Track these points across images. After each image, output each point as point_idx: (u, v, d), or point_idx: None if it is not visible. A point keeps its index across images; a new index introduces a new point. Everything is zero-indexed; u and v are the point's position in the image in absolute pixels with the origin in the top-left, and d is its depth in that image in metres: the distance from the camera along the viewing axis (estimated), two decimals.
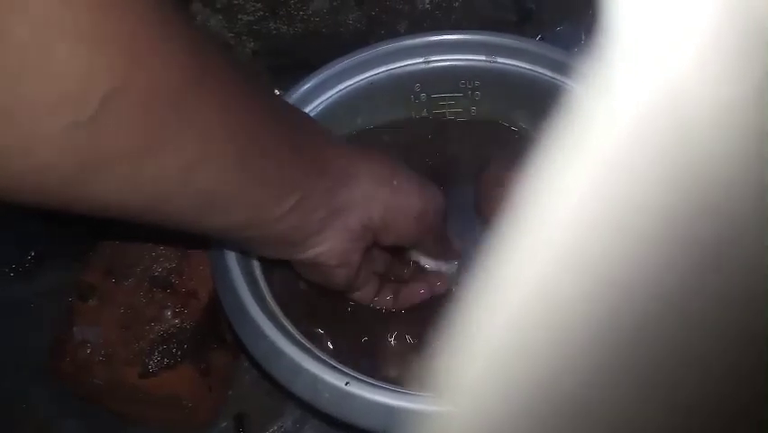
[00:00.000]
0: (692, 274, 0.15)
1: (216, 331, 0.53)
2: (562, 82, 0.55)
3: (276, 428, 0.55)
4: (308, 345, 0.43)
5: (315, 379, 0.40)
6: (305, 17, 0.65)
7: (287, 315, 0.45)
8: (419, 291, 0.51)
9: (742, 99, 0.13)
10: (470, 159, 0.59)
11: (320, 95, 0.57)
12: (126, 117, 0.28)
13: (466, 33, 0.58)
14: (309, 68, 0.58)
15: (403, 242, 0.46)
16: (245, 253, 0.46)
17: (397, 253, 0.52)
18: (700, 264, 0.15)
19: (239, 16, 0.64)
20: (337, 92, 0.58)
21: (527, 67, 0.57)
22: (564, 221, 0.15)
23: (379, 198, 0.42)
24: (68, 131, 0.26)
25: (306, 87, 0.56)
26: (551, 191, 0.15)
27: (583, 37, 0.68)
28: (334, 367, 0.41)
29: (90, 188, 0.29)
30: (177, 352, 0.49)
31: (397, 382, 0.42)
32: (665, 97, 0.13)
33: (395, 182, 0.43)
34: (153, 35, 0.28)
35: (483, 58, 0.58)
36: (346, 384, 0.40)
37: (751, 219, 0.14)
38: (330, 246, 0.41)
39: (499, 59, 0.58)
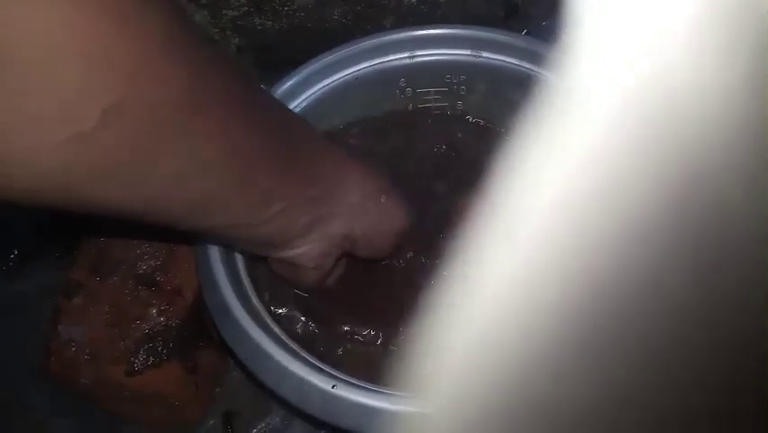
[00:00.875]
0: (682, 270, 0.15)
1: (203, 329, 0.52)
2: (549, 77, 0.55)
3: (264, 425, 0.55)
4: (295, 346, 0.43)
5: (302, 382, 0.40)
6: (290, 12, 0.64)
7: (270, 312, 0.45)
8: None
9: (732, 86, 0.13)
10: (454, 161, 0.59)
11: (305, 90, 0.57)
12: (125, 131, 0.28)
13: (451, 28, 0.58)
14: (295, 63, 0.57)
15: (376, 256, 0.48)
16: (228, 246, 0.46)
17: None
18: (690, 257, 0.15)
19: (224, 12, 0.64)
20: (322, 87, 0.57)
21: (513, 61, 0.57)
22: (545, 218, 0.15)
23: (365, 212, 0.43)
24: (68, 143, 0.27)
25: (291, 82, 0.56)
26: (535, 186, 0.15)
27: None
28: (321, 370, 0.41)
29: (88, 193, 0.30)
30: (162, 350, 0.49)
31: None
32: (653, 85, 0.13)
33: (382, 199, 0.44)
34: (154, 52, 0.28)
35: (468, 52, 0.58)
36: (333, 387, 0.40)
37: (742, 209, 0.14)
38: (310, 249, 0.42)
39: (485, 54, 0.57)
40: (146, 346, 0.49)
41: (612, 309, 0.15)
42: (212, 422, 0.55)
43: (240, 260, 0.47)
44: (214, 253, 0.45)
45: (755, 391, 0.17)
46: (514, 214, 0.15)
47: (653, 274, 0.15)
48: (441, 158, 0.60)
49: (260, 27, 0.65)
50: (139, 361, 0.48)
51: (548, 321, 0.16)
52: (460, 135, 0.61)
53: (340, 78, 0.58)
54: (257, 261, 0.48)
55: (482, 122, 0.62)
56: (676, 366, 0.16)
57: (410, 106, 0.62)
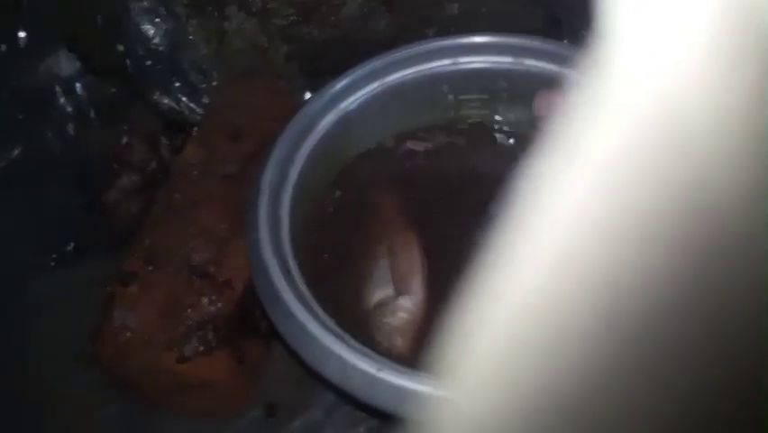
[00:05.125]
0: (690, 275, 0.15)
1: (250, 321, 0.54)
2: (578, 83, 0.56)
3: (306, 417, 0.56)
4: (339, 330, 0.44)
5: (346, 364, 0.42)
6: (336, 22, 0.67)
7: (317, 297, 0.46)
8: None
9: (740, 100, 0.13)
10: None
11: (351, 95, 0.59)
12: None
13: (494, 36, 0.60)
14: (340, 73, 0.60)
15: None
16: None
17: None
18: (699, 266, 0.15)
19: (273, 20, 0.67)
20: (367, 93, 0.59)
21: (554, 68, 0.58)
22: (565, 222, 0.15)
23: None
24: None
25: (338, 86, 0.58)
26: (551, 193, 0.15)
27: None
28: (366, 353, 0.43)
29: None
30: (212, 339, 0.51)
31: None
32: (662, 99, 0.14)
33: None
34: None
35: (510, 60, 0.59)
36: (378, 370, 0.41)
37: (749, 220, 0.15)
38: None
39: (526, 61, 0.59)
40: (197, 334, 0.51)
41: (629, 312, 0.16)
42: (255, 413, 0.56)
43: (288, 249, 0.49)
44: (266, 242, 0.47)
45: (756, 392, 0.17)
46: (540, 217, 0.16)
47: (667, 279, 0.15)
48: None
49: (307, 36, 0.68)
50: (190, 348, 0.50)
51: (572, 324, 0.16)
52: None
53: (386, 84, 0.60)
54: (304, 253, 0.50)
55: (520, 132, 0.63)
56: (683, 367, 0.17)
57: (452, 113, 0.63)
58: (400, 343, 0.51)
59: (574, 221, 0.15)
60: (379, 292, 0.54)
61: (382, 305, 0.53)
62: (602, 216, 0.15)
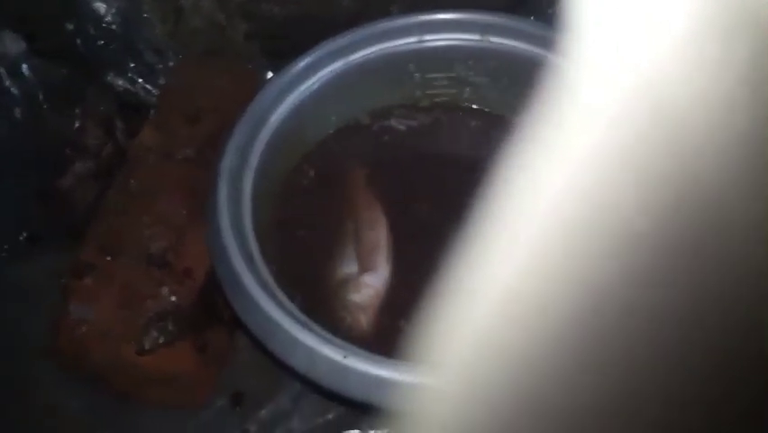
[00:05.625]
0: (676, 271, 0.15)
1: (213, 309, 0.53)
2: (556, 65, 0.55)
3: (273, 405, 0.55)
4: (304, 317, 0.43)
5: (312, 352, 0.41)
6: None
7: (280, 284, 0.45)
8: None
9: (725, 87, 0.13)
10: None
11: (314, 74, 0.57)
12: None
13: (459, 12, 0.58)
14: (302, 51, 0.58)
15: None
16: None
17: None
18: (685, 261, 0.15)
19: None
20: (332, 71, 0.58)
21: (521, 46, 0.57)
22: (544, 216, 0.15)
23: None
24: None
25: (300, 66, 0.56)
26: (531, 186, 0.15)
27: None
28: (332, 340, 0.42)
29: None
30: (173, 330, 0.49)
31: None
32: (647, 86, 0.13)
33: None
34: None
35: (477, 37, 0.58)
36: (344, 357, 0.40)
37: (739, 212, 0.14)
38: None
39: (493, 39, 0.58)
40: (157, 326, 0.49)
41: (613, 309, 0.16)
42: (220, 403, 0.55)
43: (251, 235, 0.47)
44: (226, 228, 0.45)
45: (751, 391, 0.17)
46: (517, 214, 0.15)
47: (653, 276, 0.15)
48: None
49: (267, 13, 0.65)
50: (150, 340, 0.49)
51: (551, 320, 0.16)
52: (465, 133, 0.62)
53: (350, 63, 0.58)
54: (266, 237, 0.48)
55: (489, 111, 0.62)
56: (674, 367, 0.16)
57: (418, 92, 0.62)
58: (363, 319, 0.51)
59: (553, 215, 0.15)
60: (344, 269, 0.53)
61: (346, 281, 0.53)
62: (582, 212, 0.15)
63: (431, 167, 0.60)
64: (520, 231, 0.16)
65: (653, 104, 0.13)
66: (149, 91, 0.64)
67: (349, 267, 0.54)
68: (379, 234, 0.54)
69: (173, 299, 0.49)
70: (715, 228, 0.14)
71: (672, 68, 0.13)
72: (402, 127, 0.62)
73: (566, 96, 0.14)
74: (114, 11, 0.63)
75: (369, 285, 0.52)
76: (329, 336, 0.42)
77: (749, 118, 0.13)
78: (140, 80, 0.64)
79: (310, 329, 0.42)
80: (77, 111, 0.60)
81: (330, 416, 0.54)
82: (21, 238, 0.60)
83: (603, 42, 0.13)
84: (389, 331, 0.48)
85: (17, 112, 0.57)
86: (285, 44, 0.68)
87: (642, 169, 0.14)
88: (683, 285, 0.15)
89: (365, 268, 0.53)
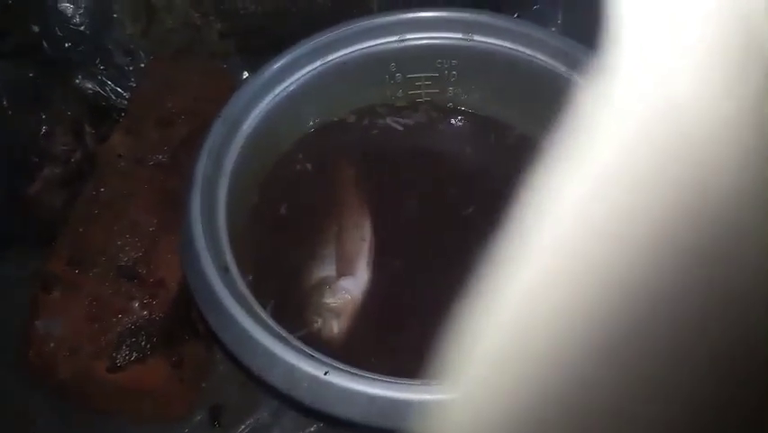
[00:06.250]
0: (692, 277, 0.15)
1: (188, 322, 0.50)
2: (543, 61, 0.54)
3: (253, 420, 0.53)
4: (283, 332, 0.41)
5: (293, 368, 0.39)
6: None
7: (258, 298, 0.43)
8: None
9: (741, 112, 0.14)
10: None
11: (292, 75, 0.55)
12: None
13: (442, 11, 0.56)
14: (279, 49, 0.56)
15: None
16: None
17: None
18: (700, 267, 0.15)
19: None
20: (311, 71, 0.56)
21: (506, 45, 0.55)
22: (565, 223, 0.15)
23: None
24: None
25: (277, 65, 0.54)
26: (553, 194, 0.15)
27: (560, 17, 0.67)
28: (312, 356, 0.40)
29: None
30: (146, 345, 0.47)
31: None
32: (666, 110, 0.14)
33: None
34: None
35: (460, 36, 0.56)
36: (325, 374, 0.38)
37: (750, 222, 0.15)
38: None
39: (477, 38, 0.56)
40: (129, 341, 0.47)
41: (631, 316, 0.16)
42: (199, 417, 0.53)
43: (226, 245, 0.45)
44: (199, 237, 0.43)
45: (759, 394, 0.17)
46: (537, 222, 0.16)
47: (669, 284, 0.15)
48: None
49: (243, 11, 0.63)
50: (121, 356, 0.46)
51: (569, 325, 0.16)
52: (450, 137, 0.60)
53: (328, 62, 0.56)
54: (243, 245, 0.46)
55: (473, 111, 0.60)
56: (686, 371, 0.17)
57: (400, 92, 0.60)
58: (335, 324, 0.49)
59: (574, 222, 0.15)
60: (322, 272, 0.52)
61: (322, 284, 0.51)
62: (603, 218, 0.15)
63: (412, 169, 0.58)
64: (543, 245, 0.16)
65: (673, 118, 0.14)
66: (119, 94, 0.62)
67: (327, 270, 0.52)
68: (362, 238, 0.53)
69: (145, 312, 0.47)
70: (731, 235, 0.15)
71: (690, 85, 0.13)
72: (384, 129, 0.61)
73: (591, 109, 0.15)
74: (81, 11, 0.60)
75: (345, 289, 0.50)
76: (309, 350, 0.40)
77: (757, 141, 0.14)
78: (110, 83, 0.62)
79: (290, 345, 0.40)
80: (44, 116, 0.57)
81: (311, 429, 0.53)
82: None
83: (630, 61, 0.14)
84: (361, 339, 0.47)
85: None
86: (261, 43, 0.66)
87: (661, 179, 0.14)
88: (701, 290, 0.15)
89: (344, 272, 0.51)
